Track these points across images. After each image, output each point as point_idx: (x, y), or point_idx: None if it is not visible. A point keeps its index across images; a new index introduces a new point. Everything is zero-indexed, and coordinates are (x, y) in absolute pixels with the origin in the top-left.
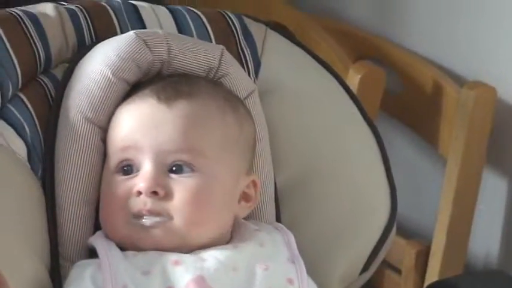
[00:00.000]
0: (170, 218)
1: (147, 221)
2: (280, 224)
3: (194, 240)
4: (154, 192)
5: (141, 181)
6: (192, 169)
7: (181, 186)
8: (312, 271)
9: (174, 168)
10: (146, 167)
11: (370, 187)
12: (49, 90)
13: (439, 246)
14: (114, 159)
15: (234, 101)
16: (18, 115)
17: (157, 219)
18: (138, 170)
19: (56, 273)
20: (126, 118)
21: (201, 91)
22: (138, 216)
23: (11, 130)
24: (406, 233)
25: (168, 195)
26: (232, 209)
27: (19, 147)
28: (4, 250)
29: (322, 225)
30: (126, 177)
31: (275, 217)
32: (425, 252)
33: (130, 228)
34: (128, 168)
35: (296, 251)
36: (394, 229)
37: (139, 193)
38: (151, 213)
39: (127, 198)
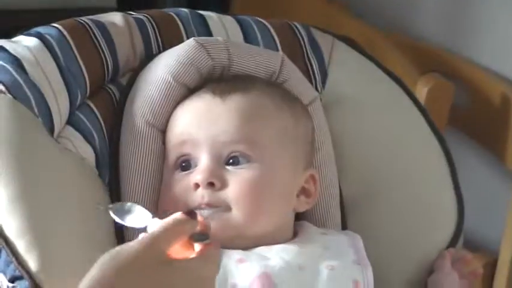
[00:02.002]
0: (227, 209)
1: (204, 212)
2: (348, 231)
3: (251, 231)
4: (211, 184)
5: (198, 174)
6: (249, 160)
7: (238, 177)
8: (377, 279)
9: (230, 160)
10: (203, 160)
11: (436, 202)
12: (116, 98)
13: (506, 259)
14: (172, 155)
15: (290, 99)
16: (87, 122)
17: (214, 210)
18: (195, 165)
19: None
20: (181, 114)
21: (256, 87)
22: (197, 209)
23: (80, 136)
24: (473, 246)
25: (224, 187)
26: (290, 202)
27: (87, 153)
28: (72, 254)
29: (385, 237)
30: (184, 173)
31: (341, 224)
32: (492, 265)
33: None
34: (186, 164)
35: (364, 254)
36: (461, 240)
37: (197, 186)
38: (209, 205)
39: (185, 193)
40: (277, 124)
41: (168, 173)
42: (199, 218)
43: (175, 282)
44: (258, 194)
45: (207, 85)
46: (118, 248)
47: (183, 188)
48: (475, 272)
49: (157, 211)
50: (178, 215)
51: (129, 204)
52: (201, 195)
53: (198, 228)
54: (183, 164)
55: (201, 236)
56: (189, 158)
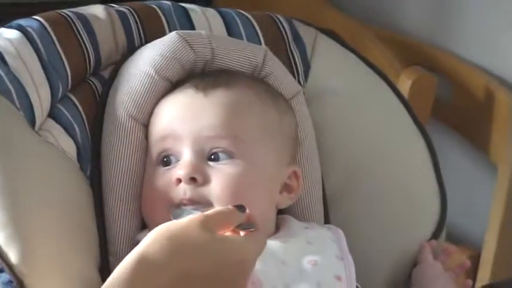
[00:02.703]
0: (209, 205)
1: (187, 208)
2: (330, 225)
3: None
4: (193, 179)
5: (180, 169)
6: (231, 156)
7: (220, 173)
8: (359, 272)
9: (212, 156)
10: (185, 155)
11: (420, 190)
12: (98, 91)
13: (490, 252)
14: (154, 150)
15: (273, 94)
16: (68, 115)
17: (196, 206)
18: (177, 161)
19: (106, 271)
20: (164, 109)
21: (239, 82)
22: (179, 205)
23: (61, 129)
24: (456, 239)
25: (206, 182)
26: (273, 198)
27: (69, 146)
28: (53, 247)
29: (371, 227)
30: (166, 168)
31: (323, 218)
32: (475, 258)
33: (170, 217)
34: (167, 159)
35: (346, 249)
36: (444, 233)
37: (179, 181)
38: (191, 201)
39: (167, 188)
40: (261, 119)
41: (150, 167)
42: (247, 211)
43: (223, 255)
44: (240, 191)
45: (190, 80)
46: (167, 223)
47: (165, 183)
48: (462, 264)
49: (140, 206)
50: (229, 207)
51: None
52: (183, 190)
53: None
54: (165, 159)
55: (249, 225)
56: (171, 152)
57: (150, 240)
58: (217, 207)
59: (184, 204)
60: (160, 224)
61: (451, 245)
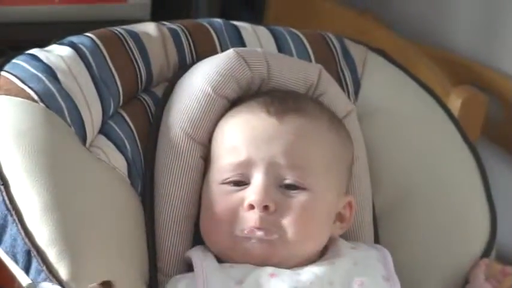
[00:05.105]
0: (278, 234)
1: (255, 236)
2: (378, 245)
3: (297, 257)
4: (266, 207)
5: (252, 194)
6: (301, 185)
7: (291, 203)
8: None
9: (285, 184)
10: (257, 179)
11: (469, 211)
12: (149, 108)
13: None
14: (222, 169)
15: (337, 121)
16: (119, 131)
17: (265, 235)
18: (247, 183)
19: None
20: (234, 129)
21: (307, 108)
22: (249, 231)
23: (112, 146)
24: (505, 260)
25: (278, 211)
26: (329, 227)
27: (119, 162)
28: (103, 263)
29: (419, 248)
30: (236, 188)
31: (373, 238)
32: None
33: (235, 241)
34: (236, 180)
35: (392, 270)
36: (494, 253)
37: (251, 207)
38: (261, 229)
39: (236, 210)
40: (329, 149)
41: (214, 186)
42: None
43: None
44: (308, 221)
45: (256, 100)
46: None
47: (233, 204)
48: None
49: (191, 225)
50: None
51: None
52: (255, 218)
53: None
54: (234, 179)
55: None
56: (241, 173)
57: None
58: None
59: (255, 232)
60: (223, 244)
61: (509, 266)
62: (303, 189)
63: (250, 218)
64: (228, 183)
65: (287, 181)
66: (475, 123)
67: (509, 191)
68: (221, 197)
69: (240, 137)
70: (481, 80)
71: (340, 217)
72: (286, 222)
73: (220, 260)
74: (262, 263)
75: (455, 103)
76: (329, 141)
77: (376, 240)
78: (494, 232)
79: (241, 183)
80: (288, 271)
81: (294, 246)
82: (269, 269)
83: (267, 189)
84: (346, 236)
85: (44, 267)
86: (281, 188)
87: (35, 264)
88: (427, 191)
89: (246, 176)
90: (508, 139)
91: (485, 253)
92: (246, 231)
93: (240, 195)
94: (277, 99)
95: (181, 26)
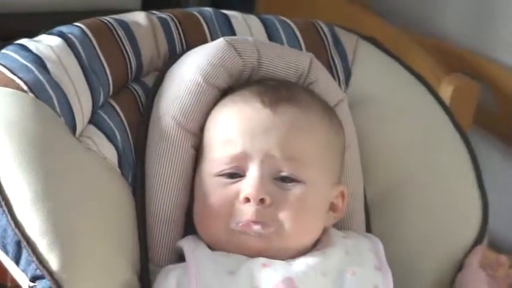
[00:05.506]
0: (275, 227)
1: (251, 230)
2: (369, 234)
3: (293, 249)
4: (262, 200)
5: (248, 187)
6: (298, 178)
7: (287, 196)
8: (401, 280)
9: (280, 176)
10: (253, 172)
11: (461, 198)
12: (140, 98)
13: None
14: (216, 161)
15: (329, 109)
16: (109, 121)
17: (262, 228)
18: (242, 175)
19: (146, 278)
20: (228, 120)
21: (300, 97)
22: (245, 225)
23: (102, 136)
24: (497, 248)
25: (274, 204)
26: (323, 218)
27: (110, 153)
28: (93, 253)
29: (412, 236)
30: (230, 180)
31: (365, 227)
32: None
33: (230, 233)
34: (231, 172)
35: (384, 259)
36: (485, 242)
37: (247, 200)
38: (258, 223)
39: (231, 203)
40: (324, 139)
41: (208, 177)
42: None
43: None
44: (304, 214)
45: (249, 89)
46: None
47: (229, 196)
48: (509, 275)
49: (182, 214)
50: None
51: None
52: (251, 211)
53: None
54: (229, 172)
55: None
56: (236, 165)
57: None
58: None
59: (251, 225)
60: (218, 236)
61: (503, 255)
62: (299, 181)
63: (246, 211)
64: (223, 175)
65: (283, 173)
66: (467, 111)
67: (501, 178)
68: (216, 189)
69: (235, 128)
70: (472, 68)
71: (333, 207)
72: (283, 215)
73: (212, 249)
74: (257, 255)
75: (446, 91)
76: (323, 131)
77: (368, 230)
78: (486, 219)
79: (236, 175)
80: (280, 261)
81: (290, 240)
82: (261, 259)
83: (262, 182)
84: (337, 226)
85: (34, 258)
86: (276, 180)
87: (25, 254)
88: (419, 180)
89: (241, 169)
90: (500, 127)
91: (478, 240)
92: (241, 225)
93: (235, 187)
94: (270, 88)
95: (171, 15)
